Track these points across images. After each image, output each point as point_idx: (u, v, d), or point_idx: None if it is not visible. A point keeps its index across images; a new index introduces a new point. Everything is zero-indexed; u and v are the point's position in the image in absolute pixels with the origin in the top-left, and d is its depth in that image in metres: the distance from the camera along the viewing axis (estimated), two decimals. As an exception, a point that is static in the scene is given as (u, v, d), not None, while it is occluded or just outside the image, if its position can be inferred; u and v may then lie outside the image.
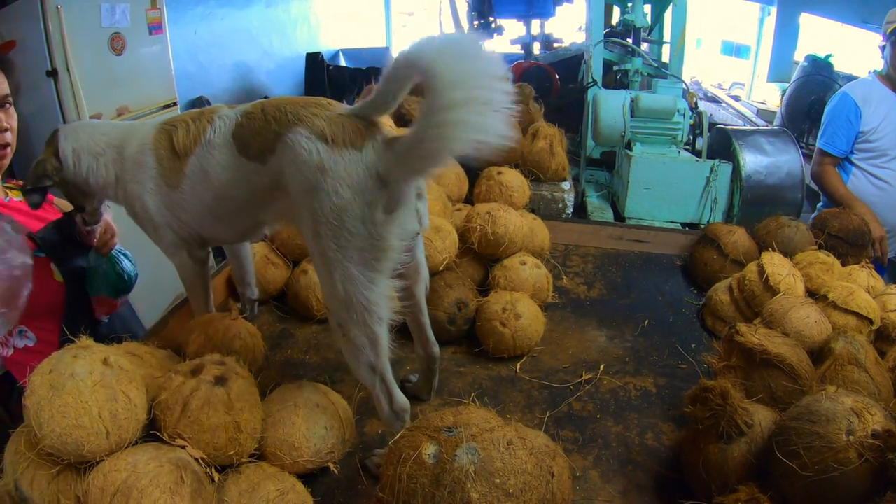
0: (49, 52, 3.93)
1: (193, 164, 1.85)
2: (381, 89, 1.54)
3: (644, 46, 4.85)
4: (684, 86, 4.18)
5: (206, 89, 6.91)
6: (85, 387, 1.41)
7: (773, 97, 8.59)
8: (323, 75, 8.75)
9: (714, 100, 9.18)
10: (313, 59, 8.90)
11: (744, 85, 10.93)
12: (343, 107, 1.70)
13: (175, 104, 5.10)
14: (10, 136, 2.26)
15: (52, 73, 3.98)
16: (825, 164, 3.45)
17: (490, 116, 1.37)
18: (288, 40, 9.04)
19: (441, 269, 2.32)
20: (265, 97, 7.57)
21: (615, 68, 4.71)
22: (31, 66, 3.93)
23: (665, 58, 4.81)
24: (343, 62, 9.57)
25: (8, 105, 2.27)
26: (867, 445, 1.27)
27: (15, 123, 2.29)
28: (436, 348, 2.00)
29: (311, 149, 1.60)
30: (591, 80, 4.37)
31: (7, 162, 2.29)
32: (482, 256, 2.52)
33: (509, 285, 2.39)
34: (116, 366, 1.50)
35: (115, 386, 1.46)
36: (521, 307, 2.23)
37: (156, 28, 4.79)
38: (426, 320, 1.97)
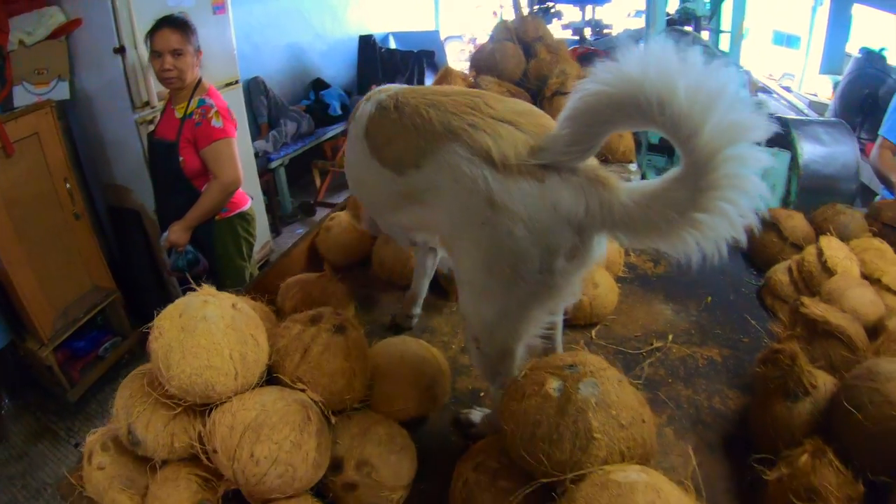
0: (117, 29, 4.08)
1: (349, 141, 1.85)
2: (575, 131, 1.24)
3: (704, 35, 4.90)
4: (748, 74, 4.23)
5: (261, 70, 7.10)
6: (217, 329, 1.50)
7: (824, 89, 8.51)
8: (375, 57, 8.88)
9: (765, 90, 9.09)
10: (366, 42, 9.02)
11: (794, 76, 10.75)
12: (506, 103, 1.43)
13: (237, 82, 5.29)
14: (174, 73, 3.22)
15: (120, 50, 4.13)
16: (884, 151, 3.45)
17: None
18: (339, 22, 9.10)
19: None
20: (318, 79, 7.71)
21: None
22: (99, 43, 4.13)
23: (723, 47, 4.87)
24: (393, 45, 9.64)
25: (178, 55, 3.20)
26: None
27: (184, 66, 3.24)
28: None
29: (475, 176, 1.32)
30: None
31: (175, 86, 3.30)
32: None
33: None
34: (244, 311, 1.63)
35: (244, 329, 1.56)
36: (598, 277, 2.38)
37: (219, 8, 4.95)
38: (559, 336, 1.91)
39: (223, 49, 5.09)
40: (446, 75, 3.49)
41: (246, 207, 3.59)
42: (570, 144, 1.25)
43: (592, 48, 5.73)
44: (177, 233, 3.31)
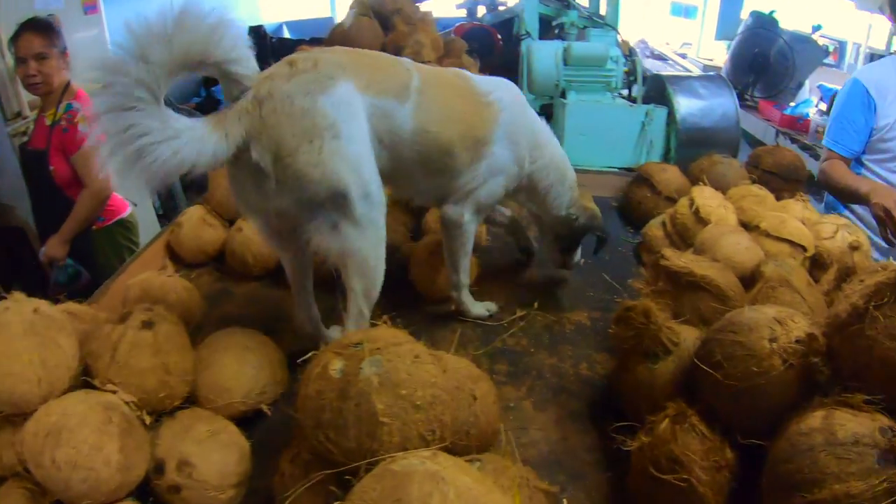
0: (-19, 38, 3.80)
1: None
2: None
3: (585, 1, 4.83)
4: (617, 34, 4.18)
5: None
6: (14, 335, 1.42)
7: (720, 55, 8.66)
8: (266, 48, 8.58)
9: (661, 57, 9.20)
10: (255, 33, 8.64)
11: (692, 44, 11.00)
12: None
13: None
14: (39, 79, 3.10)
15: (-14, 60, 3.84)
16: (833, 162, 2.90)
17: None
18: (229, 15, 8.73)
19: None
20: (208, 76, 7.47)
21: (553, 23, 4.70)
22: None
23: (603, 11, 4.80)
24: (287, 34, 9.35)
25: (42, 60, 3.09)
26: (791, 351, 1.27)
27: (50, 71, 3.12)
28: None
29: None
30: (524, 32, 4.36)
31: (42, 92, 3.17)
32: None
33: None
34: (46, 314, 1.51)
35: (44, 333, 1.46)
36: None
37: (91, 8, 4.69)
38: (351, 307, 1.84)
39: (97, 51, 4.62)
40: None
41: (125, 214, 3.46)
42: None
43: (478, 23, 5.66)
44: (54, 247, 3.17)
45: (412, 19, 3.52)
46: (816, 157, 5.38)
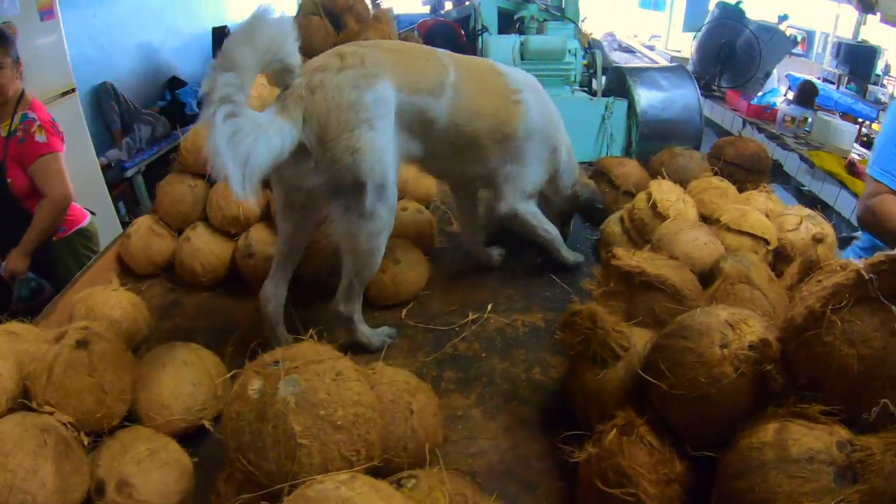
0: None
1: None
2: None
3: None
4: (576, 26, 4.11)
5: (110, 73, 6.58)
6: None
7: (688, 46, 8.65)
8: (231, 47, 8.46)
9: (629, 50, 9.21)
10: (219, 34, 8.49)
11: (661, 36, 11.04)
12: None
13: (73, 91, 4.85)
14: None
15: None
16: (883, 196, 2.30)
17: None
18: (194, 16, 8.66)
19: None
20: (173, 77, 7.27)
21: (515, 17, 4.63)
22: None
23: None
24: (253, 33, 9.22)
25: None
26: (743, 358, 1.20)
27: (3, 80, 2.96)
28: None
29: None
30: (481, 27, 4.28)
31: None
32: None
33: (395, 231, 2.28)
34: None
35: None
36: (399, 253, 2.18)
37: (47, 13, 4.54)
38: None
39: (55, 57, 4.66)
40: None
41: (85, 223, 3.40)
42: None
43: (441, 19, 5.62)
44: (14, 260, 3.07)
45: (364, 17, 3.41)
46: (784, 146, 5.38)
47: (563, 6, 4.29)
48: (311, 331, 1.35)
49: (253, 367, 1.25)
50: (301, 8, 3.47)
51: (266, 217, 2.47)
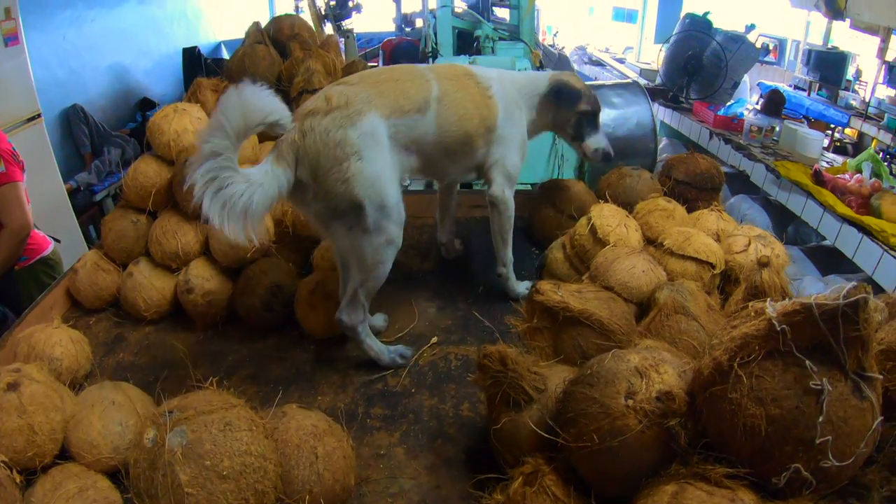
0: None
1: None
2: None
3: (506, 14, 4.76)
4: (526, 46, 4.05)
5: (81, 96, 6.57)
6: None
7: (659, 58, 8.65)
8: (201, 69, 8.38)
9: (599, 63, 9.17)
10: (190, 54, 8.53)
11: (633, 48, 11.03)
12: None
13: (39, 116, 4.79)
14: None
15: None
16: None
17: None
18: (165, 37, 8.64)
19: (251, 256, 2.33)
20: (144, 98, 7.21)
21: (474, 35, 4.59)
22: None
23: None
24: (225, 54, 9.21)
25: None
26: (648, 411, 1.13)
27: None
28: None
29: None
30: (432, 47, 4.24)
31: None
32: (301, 238, 2.45)
33: (328, 265, 2.30)
34: None
35: None
36: (332, 285, 2.13)
37: (11, 39, 4.51)
38: None
39: (20, 83, 4.61)
40: (196, 88, 3.07)
41: (48, 252, 3.35)
42: None
43: (405, 38, 5.61)
44: None
45: (309, 45, 3.33)
46: (751, 157, 5.32)
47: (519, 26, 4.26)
48: (211, 379, 1.39)
49: (151, 417, 1.28)
50: (247, 37, 3.39)
51: (206, 252, 2.45)
